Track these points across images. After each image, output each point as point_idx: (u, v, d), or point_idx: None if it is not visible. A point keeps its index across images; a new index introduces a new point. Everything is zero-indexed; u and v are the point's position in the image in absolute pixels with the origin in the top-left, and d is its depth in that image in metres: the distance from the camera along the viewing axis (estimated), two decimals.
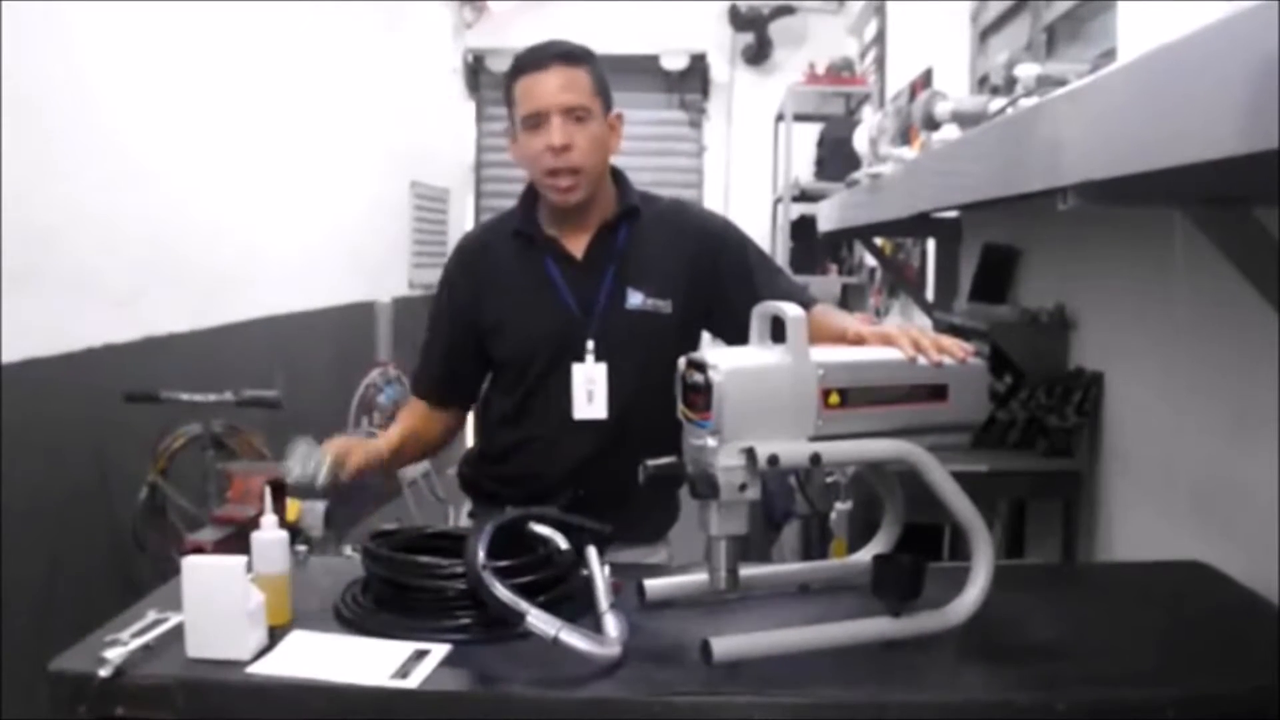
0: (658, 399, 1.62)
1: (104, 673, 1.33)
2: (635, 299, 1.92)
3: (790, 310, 1.43)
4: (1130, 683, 1.37)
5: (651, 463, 1.40)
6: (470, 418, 2.15)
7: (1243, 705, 1.36)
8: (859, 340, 1.61)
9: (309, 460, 1.79)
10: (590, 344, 1.90)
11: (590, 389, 1.89)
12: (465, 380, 2.06)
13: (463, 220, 7.45)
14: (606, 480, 1.77)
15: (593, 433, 1.90)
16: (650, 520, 2.01)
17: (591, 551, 1.51)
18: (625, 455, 1.54)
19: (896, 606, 1.45)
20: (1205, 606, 1.65)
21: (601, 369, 1.89)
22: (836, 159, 5.60)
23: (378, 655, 1.38)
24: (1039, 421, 2.59)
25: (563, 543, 1.55)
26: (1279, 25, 0.79)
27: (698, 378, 1.39)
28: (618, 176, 2.00)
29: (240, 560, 1.42)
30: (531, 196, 1.99)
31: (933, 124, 2.45)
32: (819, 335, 1.52)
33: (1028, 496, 2.79)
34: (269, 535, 1.49)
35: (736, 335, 1.87)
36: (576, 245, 1.95)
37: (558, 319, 1.91)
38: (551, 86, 1.85)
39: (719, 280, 1.94)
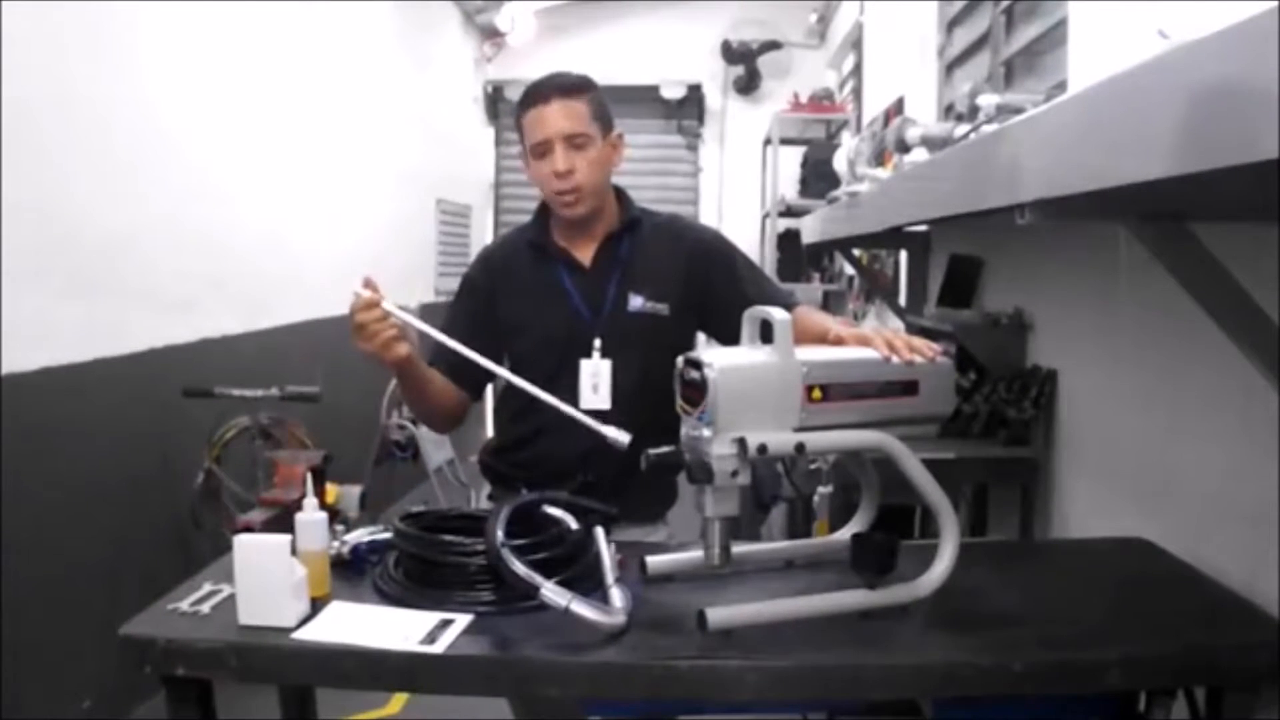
0: (655, 391, 1.62)
1: (167, 637, 1.34)
2: (636, 302, 1.92)
3: (777, 314, 1.43)
4: (1079, 646, 1.37)
5: (653, 451, 1.40)
6: (488, 411, 2.14)
7: (1176, 663, 1.37)
8: (839, 341, 1.61)
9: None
10: (597, 342, 1.90)
11: (595, 382, 1.90)
12: (473, 369, 1.99)
13: (483, 234, 7.46)
14: (610, 464, 1.77)
15: (598, 421, 1.89)
16: (651, 502, 2.00)
17: (599, 531, 1.51)
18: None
19: (873, 580, 1.45)
20: (1146, 578, 1.65)
21: (606, 364, 1.90)
22: (818, 178, 5.60)
23: (407, 623, 1.39)
24: (999, 414, 2.59)
25: (573, 523, 1.55)
26: (1206, 62, 0.79)
27: (694, 374, 1.40)
28: (620, 194, 2.01)
29: (285, 538, 1.43)
30: (544, 212, 2.00)
31: (904, 147, 2.45)
32: (802, 334, 1.51)
33: (989, 481, 2.79)
34: (310, 516, 1.50)
35: (728, 335, 1.87)
36: (585, 255, 1.96)
37: (568, 320, 1.92)
38: (554, 118, 1.86)
39: (711, 286, 1.94)
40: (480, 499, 2.20)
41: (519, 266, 1.98)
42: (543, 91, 1.88)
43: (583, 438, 1.89)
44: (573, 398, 1.90)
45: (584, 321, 1.92)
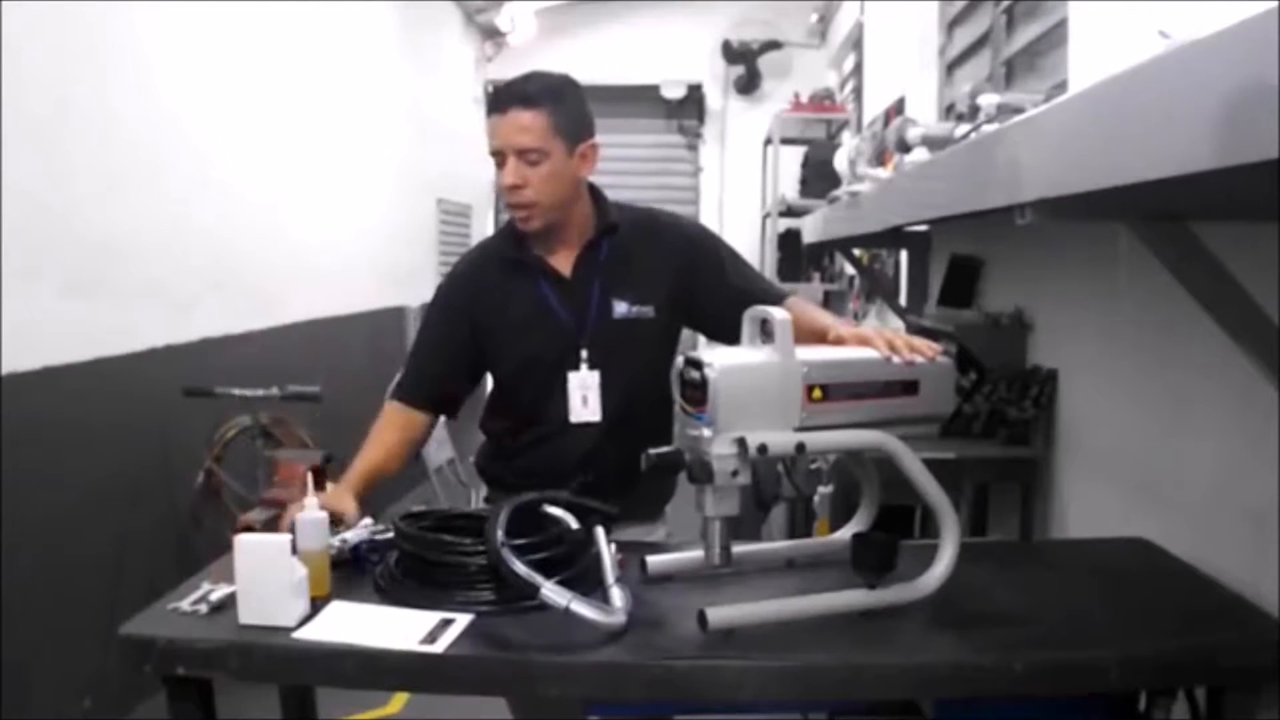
0: (646, 396, 1.61)
1: (167, 637, 1.34)
2: (621, 308, 1.87)
3: (778, 314, 1.43)
4: (1080, 645, 1.38)
5: (654, 451, 1.40)
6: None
7: (1176, 663, 1.37)
8: (839, 340, 1.61)
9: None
10: (584, 354, 1.86)
11: (585, 394, 1.85)
12: (448, 383, 1.96)
13: (483, 233, 7.44)
14: (606, 470, 1.75)
15: (590, 432, 1.86)
16: (649, 500, 1.99)
17: (599, 531, 1.51)
18: (620, 448, 1.54)
19: (873, 579, 1.45)
20: (1146, 578, 1.65)
21: (594, 376, 1.85)
22: (819, 178, 5.60)
23: (408, 623, 1.39)
24: (1000, 413, 2.59)
25: (573, 523, 1.55)
26: (1206, 62, 0.79)
27: (694, 375, 1.40)
28: (596, 195, 1.94)
29: (286, 538, 1.43)
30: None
31: (905, 147, 2.45)
32: (798, 329, 1.47)
33: (990, 480, 2.79)
34: (311, 516, 1.50)
35: (716, 329, 1.86)
36: (564, 264, 1.89)
37: (554, 334, 1.87)
38: (507, 130, 1.79)
39: (697, 279, 1.90)
40: (480, 499, 2.19)
41: (497, 284, 1.91)
42: (501, 98, 1.81)
43: (575, 445, 1.87)
44: (564, 411, 1.88)
45: (570, 334, 1.86)
